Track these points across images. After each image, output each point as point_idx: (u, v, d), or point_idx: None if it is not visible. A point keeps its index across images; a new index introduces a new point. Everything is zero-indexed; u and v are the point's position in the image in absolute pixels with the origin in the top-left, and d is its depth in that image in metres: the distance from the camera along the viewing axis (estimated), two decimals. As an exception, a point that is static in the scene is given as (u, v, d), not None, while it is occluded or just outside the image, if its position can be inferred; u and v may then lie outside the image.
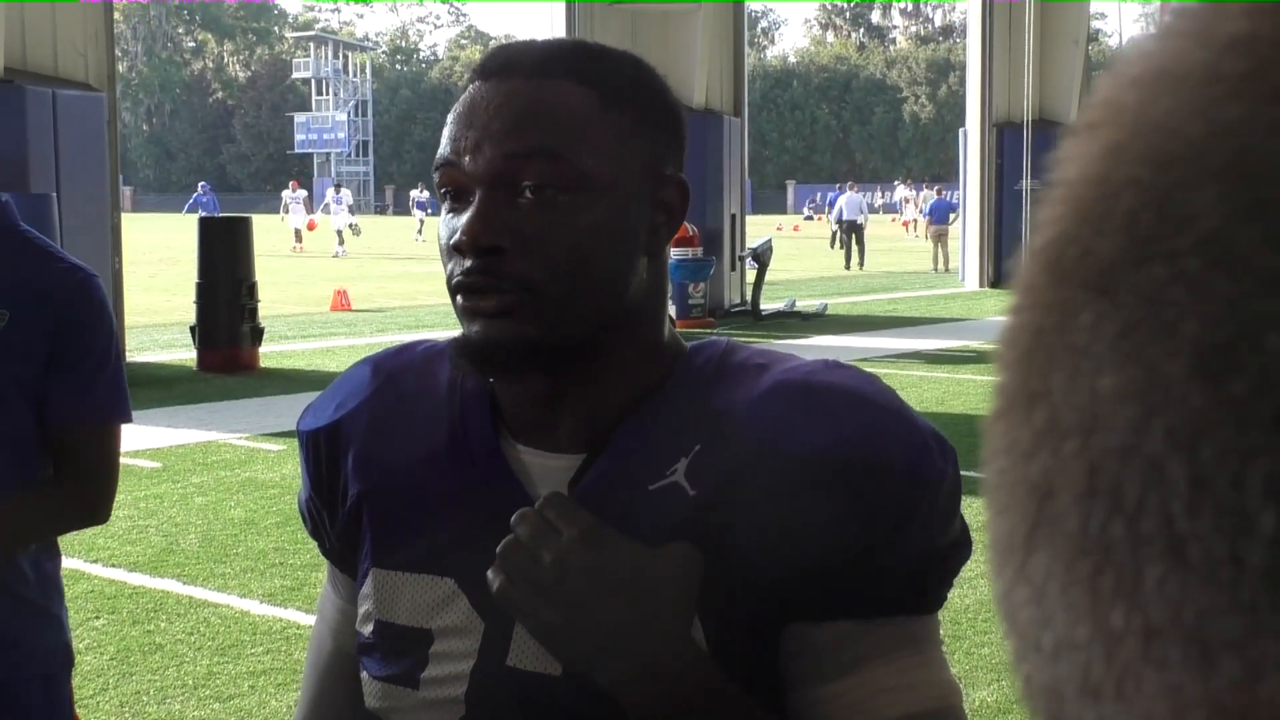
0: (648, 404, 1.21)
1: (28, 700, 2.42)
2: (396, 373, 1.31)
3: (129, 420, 2.45)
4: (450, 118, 1.20)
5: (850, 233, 30.74)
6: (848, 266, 29.88)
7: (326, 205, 40.86)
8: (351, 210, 40.11)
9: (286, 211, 39.16)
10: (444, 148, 1.18)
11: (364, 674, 1.30)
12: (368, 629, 1.29)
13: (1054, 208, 0.32)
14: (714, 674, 1.15)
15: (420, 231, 45.74)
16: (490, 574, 1.16)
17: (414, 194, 50.54)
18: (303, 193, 41.51)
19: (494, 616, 1.21)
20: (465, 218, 1.15)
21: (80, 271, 2.40)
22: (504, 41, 1.23)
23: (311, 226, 40.37)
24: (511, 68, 1.18)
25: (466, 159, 1.16)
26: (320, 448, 1.32)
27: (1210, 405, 0.27)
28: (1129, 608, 0.28)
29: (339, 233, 37.28)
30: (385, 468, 1.28)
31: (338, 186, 41.26)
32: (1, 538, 2.31)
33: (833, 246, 31.49)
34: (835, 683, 1.17)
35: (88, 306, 2.37)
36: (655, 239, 1.21)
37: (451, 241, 1.16)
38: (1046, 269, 0.31)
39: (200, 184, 42.99)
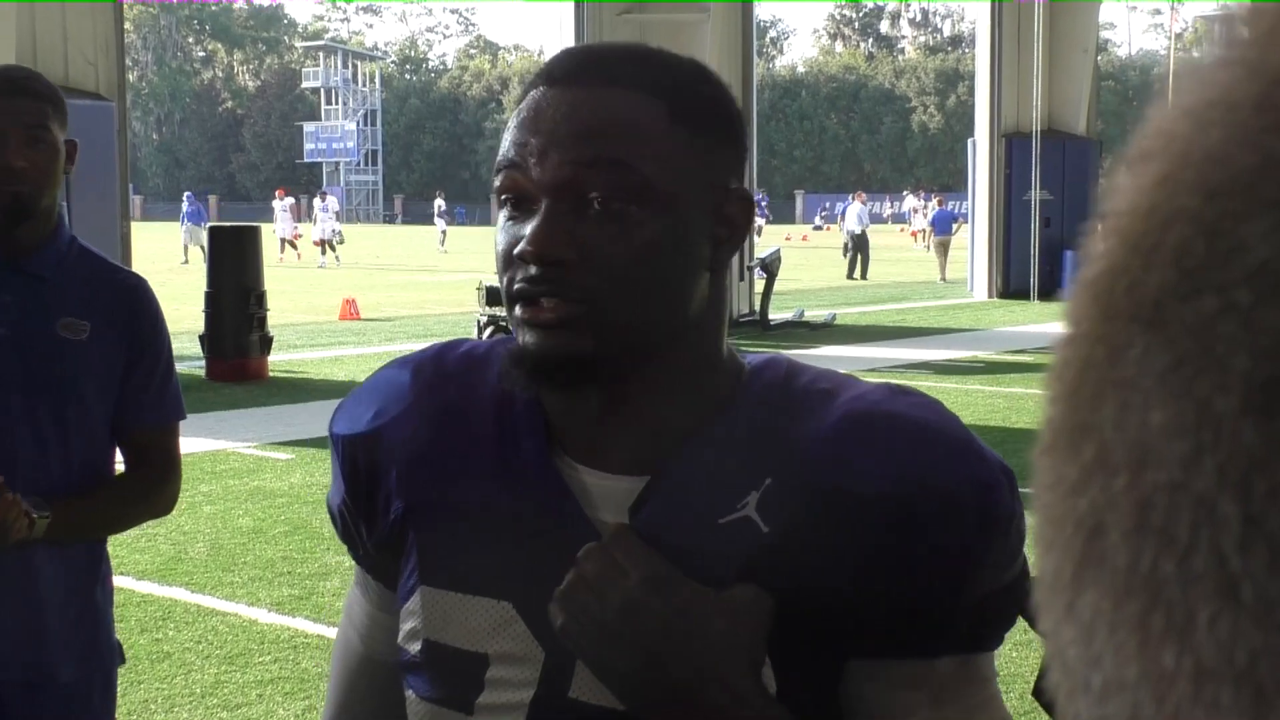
0: (712, 428, 1.18)
1: (93, 697, 2.58)
2: (437, 380, 1.26)
3: (185, 417, 2.67)
4: (513, 122, 1.16)
5: (856, 244, 30.67)
6: (850, 276, 29.86)
7: (313, 214, 39.45)
8: (339, 217, 38.70)
9: (275, 221, 37.86)
10: (508, 151, 1.15)
11: (409, 693, 1.26)
12: (414, 647, 1.25)
13: (1104, 239, 0.31)
14: (783, 718, 1.12)
15: (443, 244, 43.72)
16: (553, 609, 1.13)
17: (438, 203, 48.43)
18: (289, 200, 40.43)
19: (555, 646, 1.17)
20: (530, 227, 1.12)
21: (140, 281, 2.59)
22: (570, 47, 1.20)
23: (297, 237, 38.96)
24: (579, 74, 1.15)
25: (532, 164, 1.13)
26: (358, 456, 1.28)
27: (1262, 442, 0.26)
28: (1180, 648, 0.27)
29: (324, 244, 35.67)
30: (432, 483, 1.24)
31: (323, 195, 39.78)
32: (95, 523, 2.54)
33: (845, 255, 31.44)
34: None
35: (153, 316, 2.57)
36: (717, 254, 1.18)
37: (516, 251, 1.13)
38: (1095, 301, 0.31)
39: (185, 194, 41.44)
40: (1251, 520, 0.26)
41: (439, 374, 1.26)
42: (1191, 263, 0.28)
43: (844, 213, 36.79)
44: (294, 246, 37.08)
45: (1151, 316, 0.29)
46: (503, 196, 1.16)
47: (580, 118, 1.13)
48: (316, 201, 39.26)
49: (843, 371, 1.27)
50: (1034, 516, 0.32)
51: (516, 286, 1.13)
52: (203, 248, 33.37)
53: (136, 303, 2.54)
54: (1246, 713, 0.26)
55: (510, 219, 1.15)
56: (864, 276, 29.90)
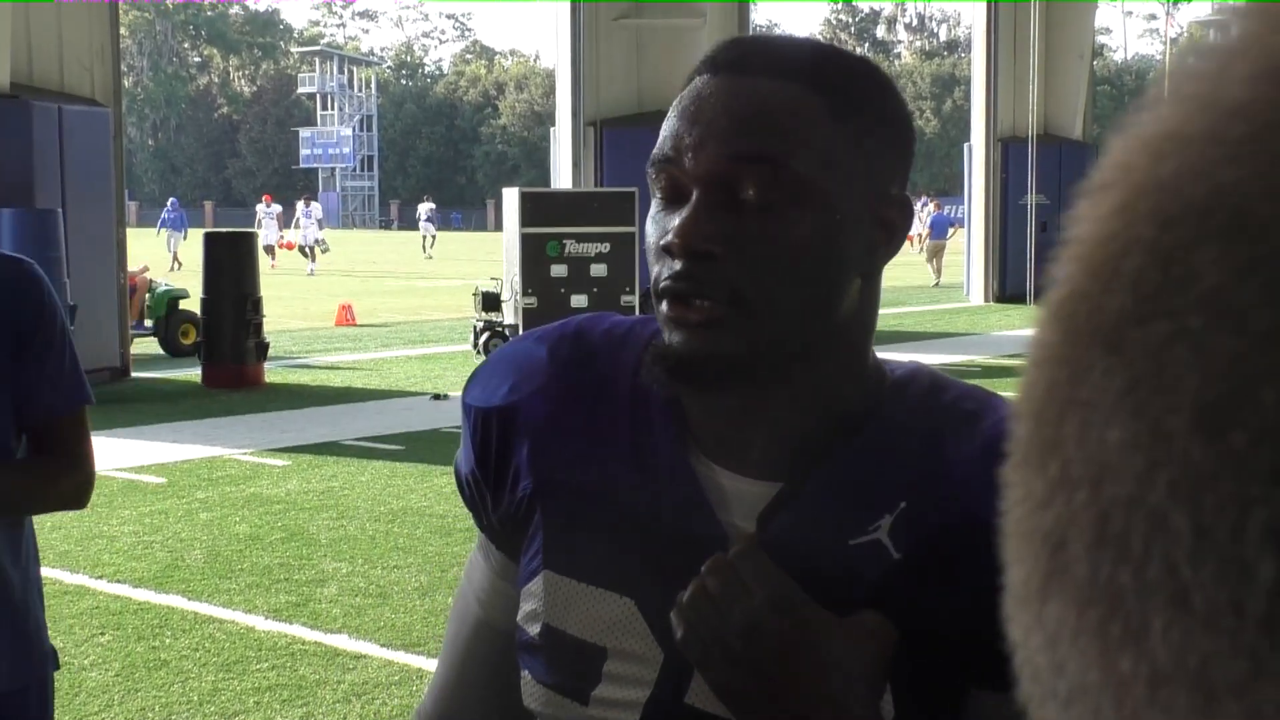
0: (851, 441, 1.15)
1: (28, 707, 2.48)
2: (575, 359, 1.23)
3: (92, 401, 2.52)
4: (673, 111, 1.13)
5: None
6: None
7: (296, 220, 39.28)
8: (321, 225, 38.09)
9: (260, 227, 35.67)
10: (664, 143, 1.11)
11: (525, 673, 1.25)
12: (534, 629, 1.23)
13: (1067, 265, 0.32)
14: None
15: (428, 249, 43.65)
16: (674, 618, 1.11)
17: (422, 207, 48.04)
18: (276, 208, 39.60)
19: (675, 650, 1.15)
20: (679, 218, 1.09)
21: (23, 263, 2.45)
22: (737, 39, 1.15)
23: (289, 247, 38.43)
24: (743, 65, 1.11)
25: (688, 156, 1.09)
26: (491, 428, 1.24)
27: (1211, 458, 0.28)
28: (1136, 654, 0.29)
29: (306, 250, 35.22)
30: (564, 466, 1.21)
31: (307, 200, 39.23)
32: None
33: None
34: None
35: (39, 298, 2.42)
36: (872, 259, 1.14)
37: (662, 242, 1.10)
38: (1059, 325, 0.32)
39: (170, 199, 40.58)
40: (1201, 532, 0.28)
41: (577, 352, 1.23)
42: (1146, 289, 0.29)
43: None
44: (271, 255, 35.66)
45: (1110, 340, 0.30)
46: (656, 188, 1.13)
47: (740, 109, 1.09)
48: (300, 205, 38.67)
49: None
50: (1005, 531, 0.34)
51: (664, 283, 1.10)
52: (176, 256, 32.97)
53: (19, 285, 2.40)
54: (1199, 714, 0.28)
55: (661, 210, 1.12)
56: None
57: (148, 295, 16.53)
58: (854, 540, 1.12)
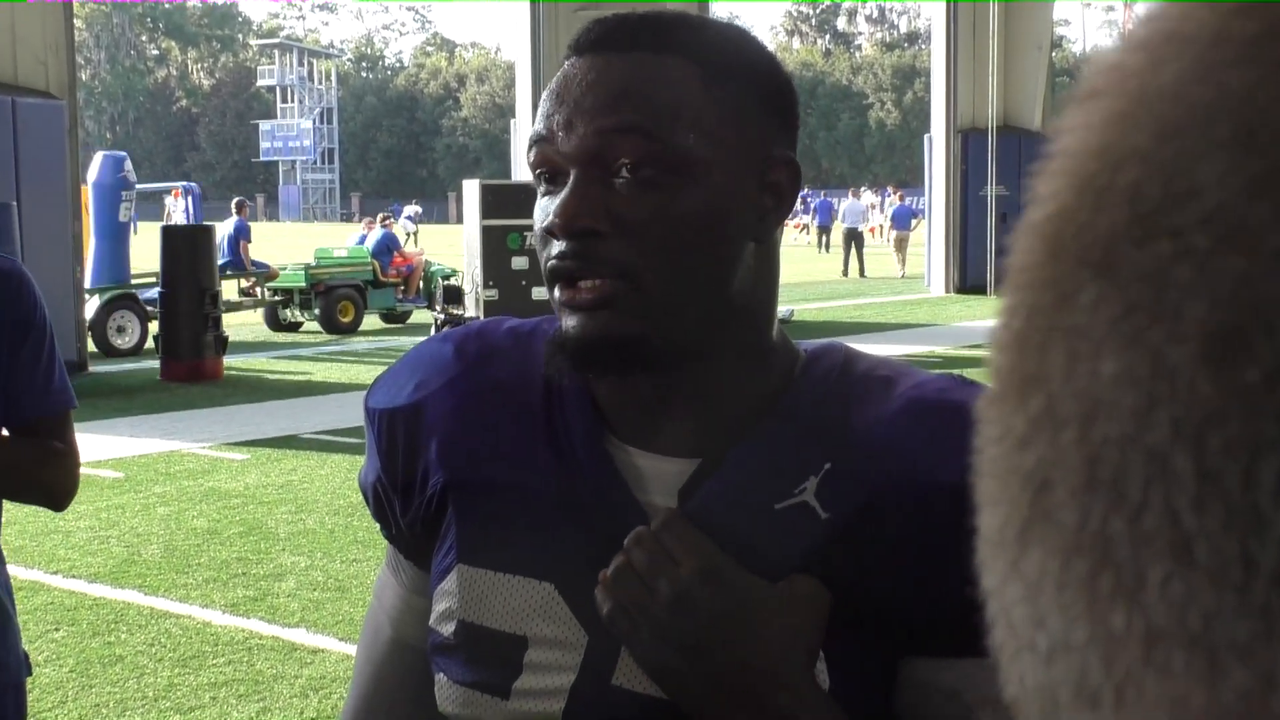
0: (770, 412, 1.13)
1: (4, 715, 2.42)
2: (482, 355, 1.21)
3: (75, 404, 2.50)
4: (544, 95, 1.12)
5: (851, 240, 30.37)
6: (845, 273, 29.53)
7: (168, 214, 34.85)
8: (188, 215, 35.38)
9: (168, 220, 32.12)
10: (537, 124, 1.10)
11: (440, 676, 1.20)
12: (448, 628, 1.20)
13: (1051, 180, 0.30)
14: (838, 717, 1.07)
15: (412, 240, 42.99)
16: (599, 595, 1.09)
17: (407, 209, 48.67)
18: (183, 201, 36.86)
19: (599, 631, 1.13)
20: (559, 199, 1.08)
21: (16, 265, 2.42)
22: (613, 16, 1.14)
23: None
24: (606, 42, 1.10)
25: (560, 135, 1.08)
26: (396, 429, 1.22)
27: (1219, 394, 0.25)
28: (1130, 609, 0.27)
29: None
30: (475, 458, 1.18)
31: (175, 194, 34.98)
32: None
33: (824, 250, 31.09)
34: None
35: (33, 300, 2.40)
36: (763, 224, 1.12)
37: (544, 225, 1.09)
38: (1043, 245, 0.29)
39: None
40: (1207, 476, 0.25)
41: (484, 348, 1.22)
42: (1145, 205, 0.27)
43: (819, 208, 36.92)
44: None
45: (1102, 261, 0.27)
46: (536, 172, 1.11)
47: (606, 84, 1.08)
48: (169, 200, 34.71)
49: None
50: (978, 471, 0.31)
51: (550, 264, 1.09)
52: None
53: (13, 288, 2.38)
54: (1200, 677, 0.26)
55: (544, 194, 1.11)
56: (861, 274, 29.49)
57: (422, 275, 19.11)
58: (780, 504, 1.09)
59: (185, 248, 13.63)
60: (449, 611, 1.20)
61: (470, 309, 14.79)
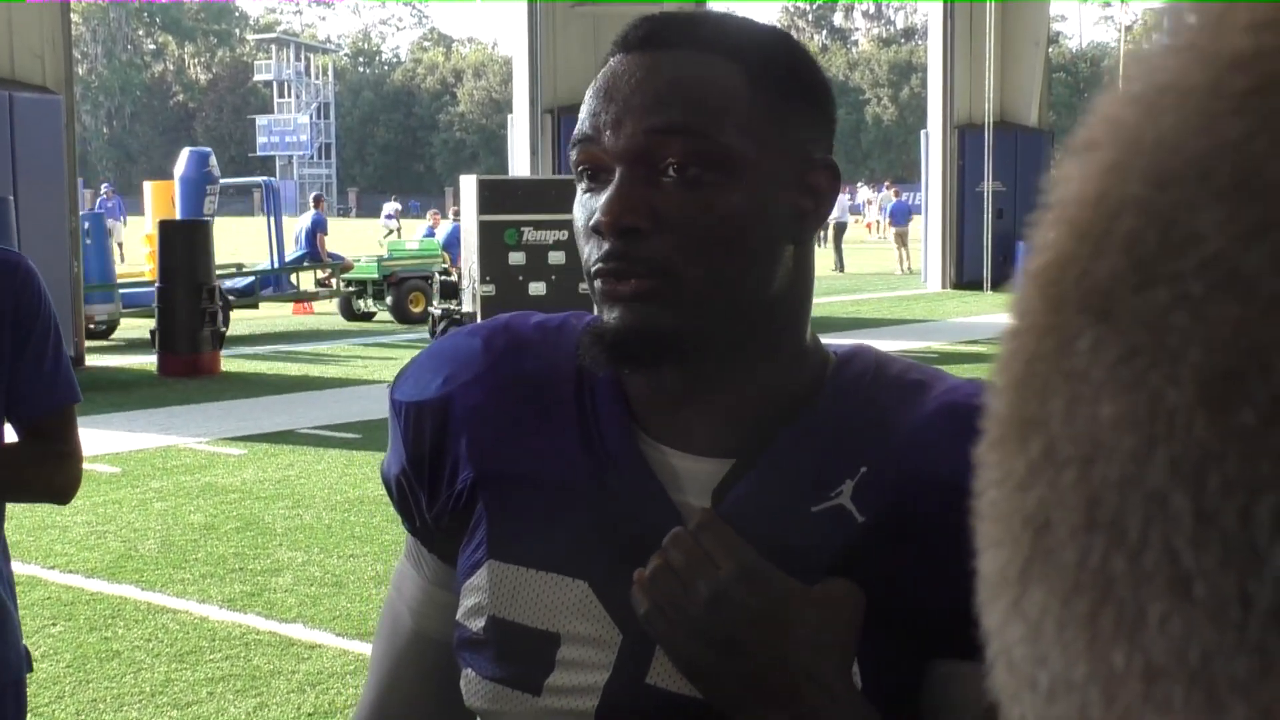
0: (804, 413, 1.13)
1: (3, 712, 2.43)
2: (510, 349, 1.21)
3: (80, 399, 2.51)
4: (589, 92, 1.12)
5: (838, 233, 30.42)
6: (840, 268, 29.55)
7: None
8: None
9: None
10: (582, 123, 1.11)
11: (468, 671, 1.20)
12: (477, 624, 1.19)
13: (1050, 229, 0.30)
14: (872, 718, 1.08)
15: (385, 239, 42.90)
16: (636, 594, 1.09)
17: (386, 207, 47.67)
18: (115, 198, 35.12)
19: (634, 629, 1.13)
20: (604, 197, 1.08)
21: (22, 259, 2.42)
22: (646, 15, 1.14)
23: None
24: (654, 40, 1.11)
25: (606, 134, 1.08)
26: (424, 422, 1.21)
27: (1216, 435, 0.26)
28: (1130, 647, 0.27)
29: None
30: (507, 453, 1.18)
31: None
32: None
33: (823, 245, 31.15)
34: None
35: (38, 294, 2.41)
36: (802, 225, 1.13)
37: (590, 223, 1.09)
38: (1042, 292, 0.30)
39: (103, 185, 38.45)
40: (1204, 515, 0.26)
41: (512, 342, 1.21)
42: (1143, 252, 0.27)
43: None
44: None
45: (1101, 307, 0.28)
46: (579, 169, 1.12)
47: (655, 83, 1.08)
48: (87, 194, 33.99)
49: None
50: (980, 514, 0.32)
51: (594, 265, 1.09)
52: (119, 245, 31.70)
53: (20, 281, 2.39)
54: (1199, 714, 0.26)
55: (587, 192, 1.12)
56: (840, 268, 29.60)
57: None
58: (816, 507, 1.10)
59: (183, 243, 13.62)
60: (478, 607, 1.20)
61: (467, 305, 14.78)
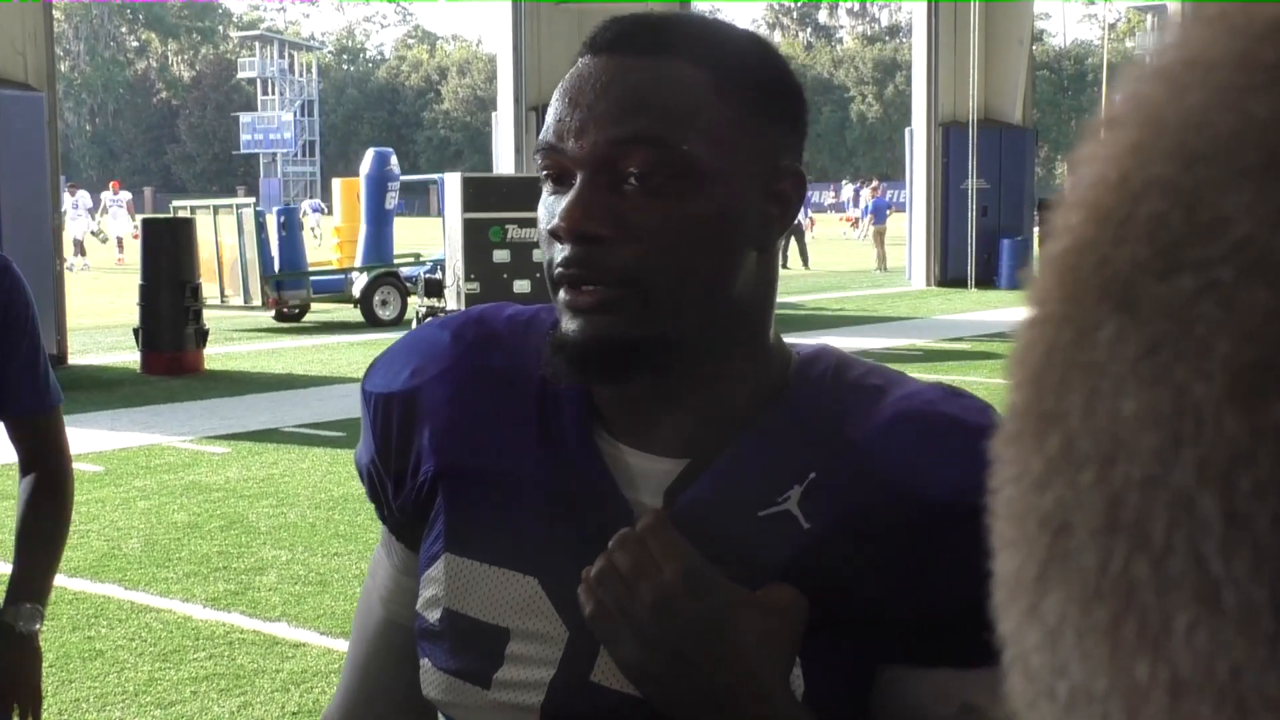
0: (759, 416, 1.13)
1: None
2: (479, 342, 1.21)
3: (62, 399, 2.56)
4: (556, 93, 1.11)
5: (793, 233, 30.68)
6: (785, 265, 29.87)
7: (104, 208, 35.73)
8: (132, 214, 35.07)
9: (70, 218, 28.82)
10: (547, 129, 1.10)
11: (425, 661, 1.22)
12: (434, 615, 1.21)
13: (1069, 213, 0.29)
14: None
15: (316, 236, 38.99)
16: (582, 595, 1.10)
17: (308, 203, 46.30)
18: (83, 194, 34.14)
19: (580, 627, 1.13)
20: (565, 202, 1.08)
21: (6, 263, 2.43)
22: (617, 14, 1.14)
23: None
24: (622, 43, 1.09)
25: (570, 143, 1.08)
26: (391, 413, 1.22)
27: (1247, 433, 0.24)
28: (1154, 659, 0.25)
29: (114, 242, 32.73)
30: (467, 448, 1.19)
31: (114, 187, 36.25)
32: (50, 574, 2.58)
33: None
34: None
35: (24, 297, 2.42)
36: (766, 233, 1.12)
37: (549, 226, 1.09)
38: (1060, 280, 0.28)
39: (78, 191, 37.69)
40: (1235, 519, 0.24)
41: (481, 336, 1.21)
42: (1167, 237, 0.26)
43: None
44: (80, 251, 31.39)
45: (1123, 296, 0.26)
46: (544, 172, 1.11)
47: (620, 90, 1.07)
48: (107, 195, 34.55)
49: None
50: (994, 512, 0.30)
51: (556, 270, 1.09)
52: (81, 245, 31.37)
53: (9, 283, 2.41)
54: None
55: (551, 195, 1.11)
56: (805, 265, 29.92)
57: None
58: (763, 512, 1.10)
59: (166, 240, 13.58)
60: (435, 598, 1.21)
61: (451, 302, 14.76)
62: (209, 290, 17.87)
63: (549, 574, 1.16)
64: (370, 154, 20.04)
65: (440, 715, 1.25)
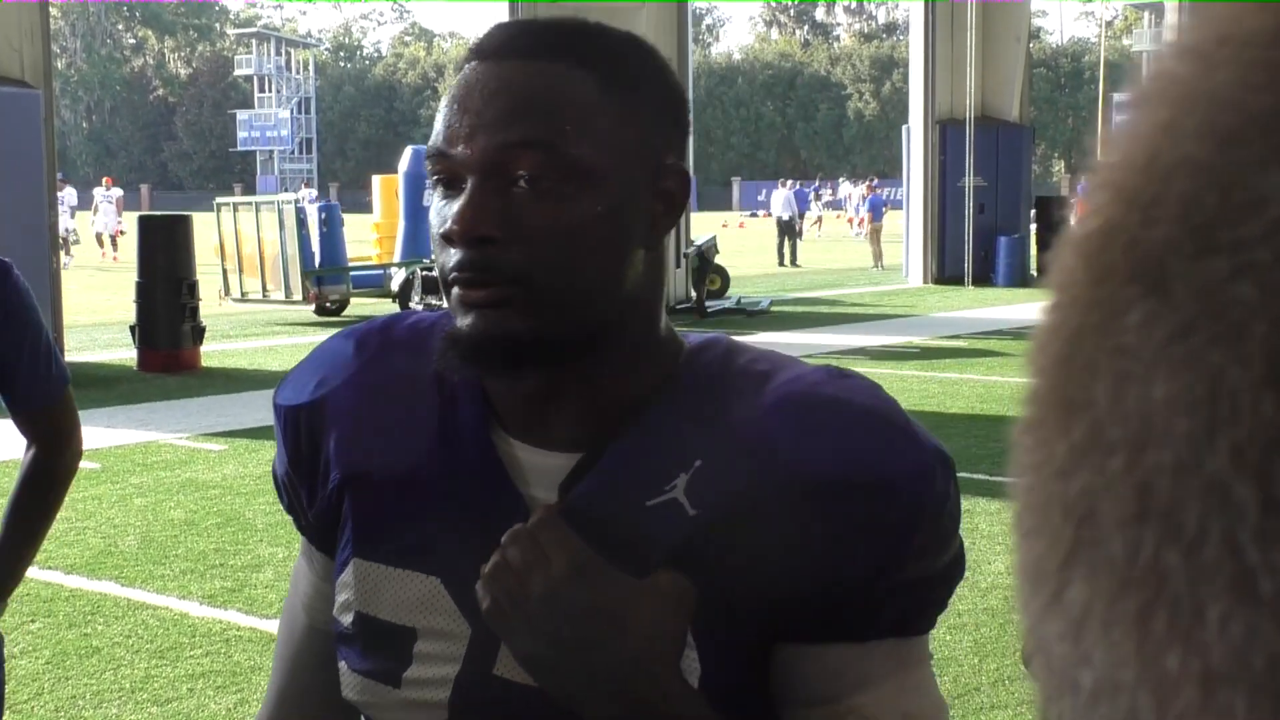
0: (648, 409, 1.16)
1: None
2: (382, 350, 1.25)
3: (70, 379, 2.65)
4: (445, 100, 1.14)
5: (784, 231, 30.70)
6: (781, 263, 29.97)
7: (95, 206, 35.09)
8: (120, 210, 35.04)
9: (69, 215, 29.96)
10: (437, 135, 1.13)
11: (342, 664, 1.26)
12: (347, 619, 1.25)
13: (1097, 193, 0.28)
14: (704, 711, 1.12)
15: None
16: (478, 591, 1.13)
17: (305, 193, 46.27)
18: (69, 191, 34.10)
19: (481, 623, 1.17)
20: (456, 206, 1.11)
21: (4, 263, 2.47)
22: (501, 22, 1.19)
23: (119, 233, 33.43)
24: (508, 49, 1.13)
25: (460, 148, 1.11)
26: (300, 425, 1.27)
27: None
28: (1185, 650, 0.25)
29: (107, 239, 32.71)
30: (369, 453, 1.23)
31: (107, 183, 35.62)
32: (34, 547, 2.61)
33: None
34: (829, 706, 1.14)
35: (25, 294, 2.47)
36: (654, 231, 1.16)
37: (442, 230, 1.12)
38: (1087, 263, 0.27)
39: (67, 189, 36.82)
40: (1272, 506, 0.24)
41: (384, 345, 1.25)
42: (1200, 218, 0.25)
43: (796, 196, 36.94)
44: (65, 248, 29.97)
45: (1153, 278, 0.26)
46: (434, 178, 1.14)
47: (507, 95, 1.11)
48: (99, 191, 34.33)
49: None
50: (1015, 500, 0.30)
51: (451, 274, 1.12)
52: (66, 243, 30.93)
53: (9, 285, 2.46)
54: None
55: (443, 199, 1.14)
56: (794, 263, 29.97)
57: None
58: (651, 501, 1.13)
59: (163, 238, 13.57)
60: (348, 603, 1.25)
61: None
62: (250, 285, 18.11)
63: (450, 573, 1.20)
64: (408, 151, 20.11)
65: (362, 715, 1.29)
